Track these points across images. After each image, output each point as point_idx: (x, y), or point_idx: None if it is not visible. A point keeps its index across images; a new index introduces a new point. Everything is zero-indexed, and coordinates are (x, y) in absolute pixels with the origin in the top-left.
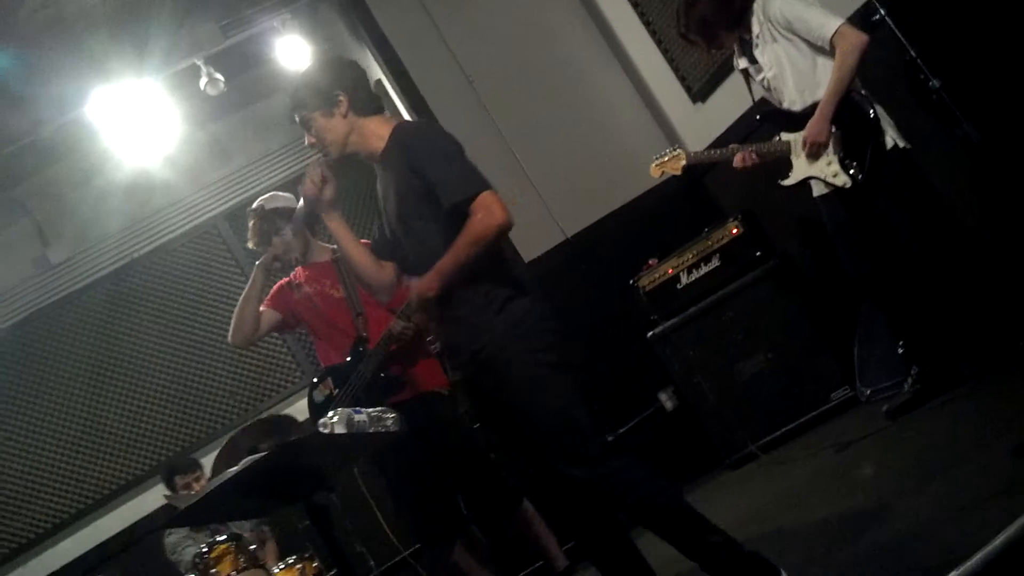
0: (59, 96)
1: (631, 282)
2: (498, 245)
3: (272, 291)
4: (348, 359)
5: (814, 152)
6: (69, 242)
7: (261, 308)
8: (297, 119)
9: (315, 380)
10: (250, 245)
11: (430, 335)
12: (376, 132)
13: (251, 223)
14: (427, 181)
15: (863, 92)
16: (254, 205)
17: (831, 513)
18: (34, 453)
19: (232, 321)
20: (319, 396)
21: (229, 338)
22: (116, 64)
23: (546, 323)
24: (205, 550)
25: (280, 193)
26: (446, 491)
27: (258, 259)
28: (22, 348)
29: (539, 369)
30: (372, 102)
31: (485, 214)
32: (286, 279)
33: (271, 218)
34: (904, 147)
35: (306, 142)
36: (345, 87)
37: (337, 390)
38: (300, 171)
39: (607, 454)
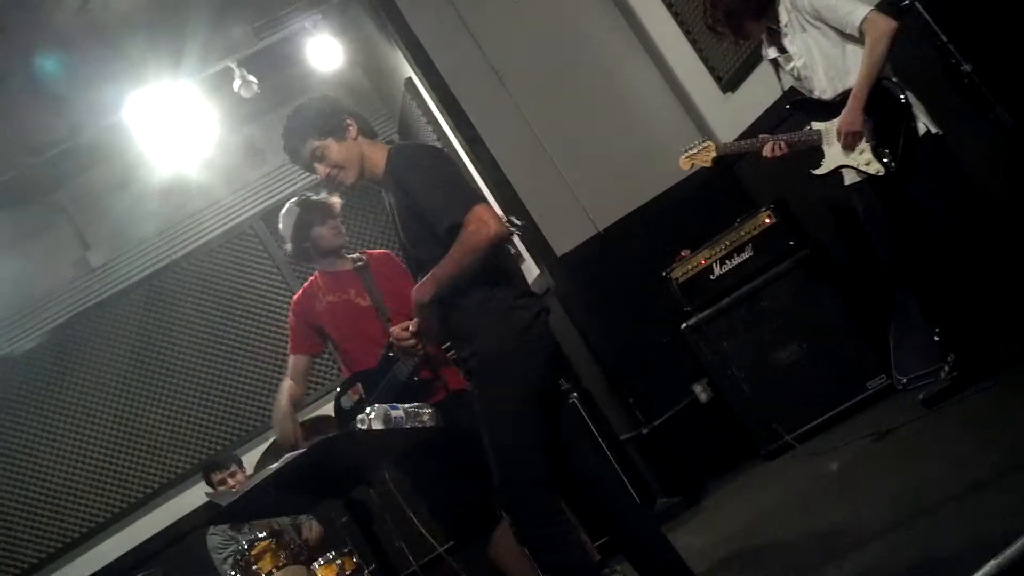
0: (97, 100)
1: (663, 274)
2: (494, 255)
3: (292, 327)
4: (379, 364)
5: (850, 142)
6: (108, 245)
7: (291, 358)
8: (309, 151)
9: (338, 389)
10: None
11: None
12: (378, 155)
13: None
14: (419, 208)
15: (894, 79)
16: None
17: (858, 511)
18: (77, 454)
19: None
20: (347, 402)
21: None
22: (152, 67)
23: (537, 342)
24: (246, 547)
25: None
26: (479, 487)
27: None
28: (64, 351)
29: (512, 400)
30: (370, 126)
31: (477, 225)
32: (300, 293)
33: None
34: (936, 133)
35: (320, 174)
36: (349, 112)
37: (367, 395)
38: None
39: (542, 510)
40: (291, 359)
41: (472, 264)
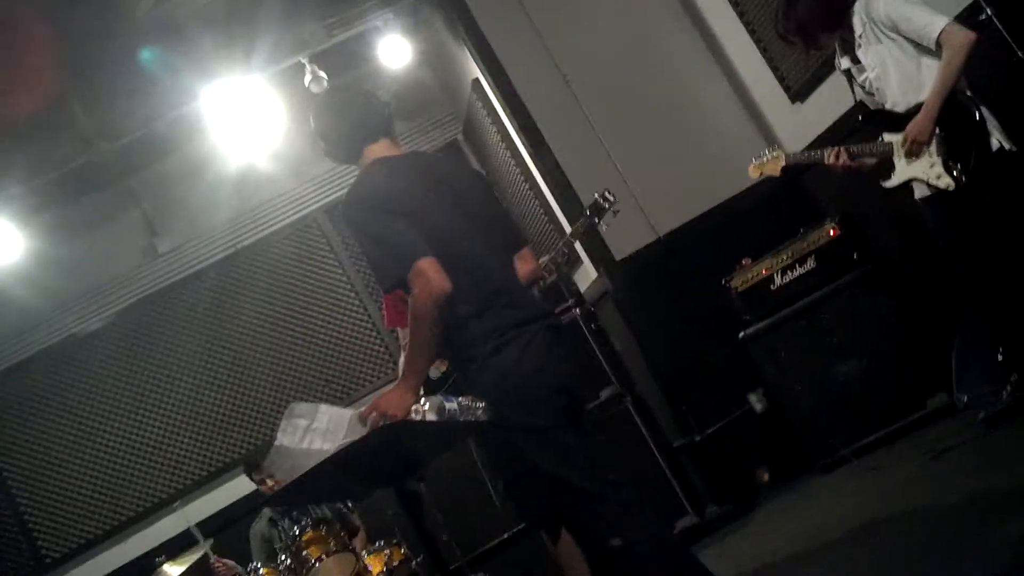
0: (171, 91)
1: (723, 282)
2: (447, 308)
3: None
4: None
5: (915, 150)
6: (176, 232)
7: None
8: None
9: None
10: None
11: None
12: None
13: None
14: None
15: (969, 94)
16: None
17: (912, 529)
18: (138, 434)
19: None
20: (435, 372)
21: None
22: (225, 61)
23: (527, 381)
24: (296, 532)
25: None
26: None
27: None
28: (129, 333)
29: (518, 436)
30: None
31: (420, 285)
32: None
33: None
34: (1010, 149)
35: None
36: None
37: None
38: None
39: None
40: None
41: (430, 329)
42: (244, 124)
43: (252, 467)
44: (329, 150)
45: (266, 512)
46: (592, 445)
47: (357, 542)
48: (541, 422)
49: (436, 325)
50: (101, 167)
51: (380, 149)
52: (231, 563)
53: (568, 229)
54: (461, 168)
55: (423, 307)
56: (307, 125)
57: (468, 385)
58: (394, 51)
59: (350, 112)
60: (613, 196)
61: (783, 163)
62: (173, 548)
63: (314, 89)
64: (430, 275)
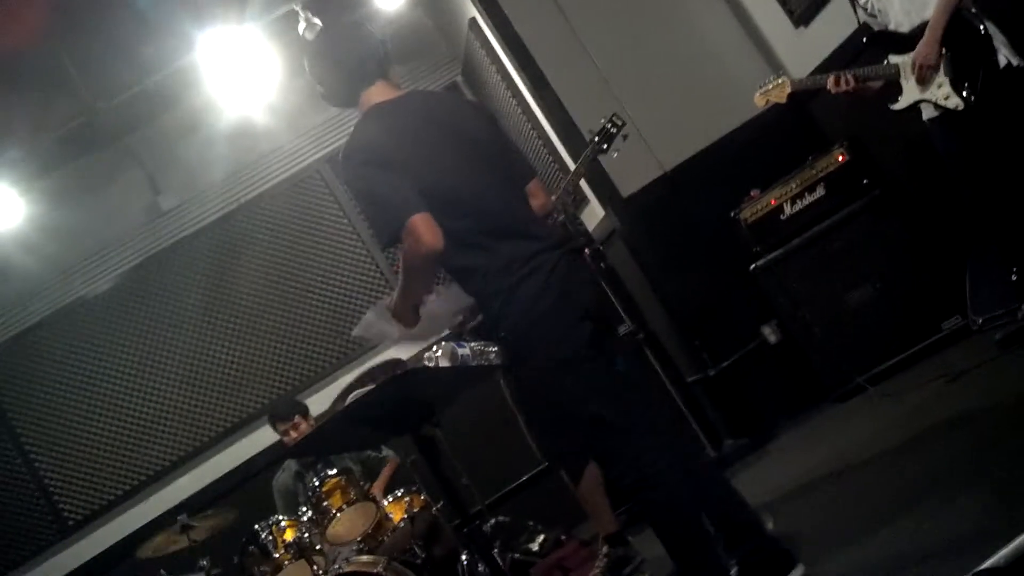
0: (165, 44)
1: (732, 214)
2: (433, 260)
3: None
4: None
5: (924, 75)
6: (178, 189)
7: None
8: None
9: None
10: None
11: None
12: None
13: None
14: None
15: (973, 9)
16: None
17: (931, 455)
18: (151, 394)
19: None
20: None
21: None
22: (219, 10)
23: (550, 312)
24: (317, 484)
25: None
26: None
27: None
28: (138, 293)
29: (542, 370)
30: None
31: (410, 242)
32: None
33: None
34: (1019, 65)
35: None
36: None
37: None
38: None
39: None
40: None
41: (416, 280)
42: (240, 75)
43: (277, 418)
44: (327, 95)
45: (292, 465)
46: (623, 372)
47: (381, 481)
48: (566, 354)
49: (423, 280)
50: (98, 127)
51: (377, 93)
52: None
53: (572, 167)
54: (462, 104)
55: (411, 263)
56: (305, 74)
57: (494, 324)
58: None
59: (344, 54)
60: (622, 120)
61: (789, 90)
62: (192, 506)
63: (308, 36)
64: (420, 232)
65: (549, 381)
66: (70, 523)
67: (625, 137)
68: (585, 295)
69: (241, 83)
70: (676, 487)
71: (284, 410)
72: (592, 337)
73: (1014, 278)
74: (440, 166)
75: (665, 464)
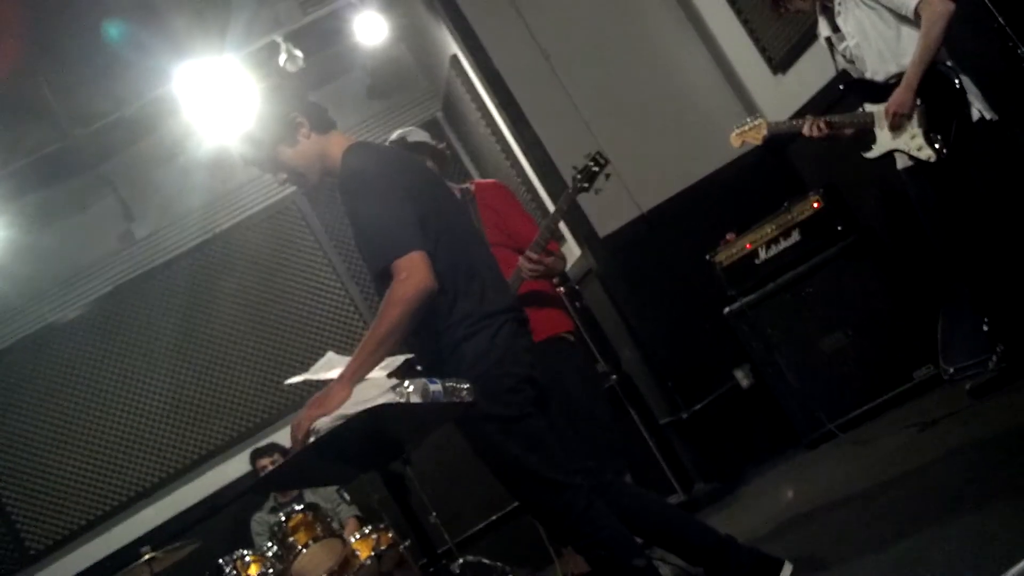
0: (144, 73)
1: (707, 257)
2: (426, 302)
3: None
4: None
5: (897, 124)
6: (153, 217)
7: None
8: (268, 163)
9: None
10: None
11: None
12: (336, 151)
13: None
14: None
15: (949, 63)
16: None
17: (899, 502)
18: (119, 423)
19: None
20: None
21: None
22: (199, 41)
23: (501, 368)
24: (283, 519)
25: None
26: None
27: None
28: (108, 321)
29: (488, 427)
30: (325, 118)
31: (407, 276)
32: None
33: None
34: (991, 119)
35: (277, 181)
36: (297, 107)
37: None
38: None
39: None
40: None
41: (400, 317)
42: (218, 105)
43: (260, 454)
44: (267, 148)
45: (271, 501)
46: (570, 432)
47: (347, 530)
48: (512, 411)
49: (411, 320)
50: (75, 152)
51: (342, 137)
52: None
53: (550, 205)
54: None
55: (405, 298)
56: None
57: (439, 370)
58: (370, 28)
59: (299, 102)
60: (605, 159)
61: (765, 132)
62: (157, 538)
63: (289, 68)
64: (423, 270)
65: (493, 436)
66: (31, 552)
67: (608, 176)
68: (526, 360)
69: (219, 113)
70: (620, 553)
71: (266, 446)
72: (536, 398)
73: (986, 328)
74: (438, 208)
75: (606, 530)
